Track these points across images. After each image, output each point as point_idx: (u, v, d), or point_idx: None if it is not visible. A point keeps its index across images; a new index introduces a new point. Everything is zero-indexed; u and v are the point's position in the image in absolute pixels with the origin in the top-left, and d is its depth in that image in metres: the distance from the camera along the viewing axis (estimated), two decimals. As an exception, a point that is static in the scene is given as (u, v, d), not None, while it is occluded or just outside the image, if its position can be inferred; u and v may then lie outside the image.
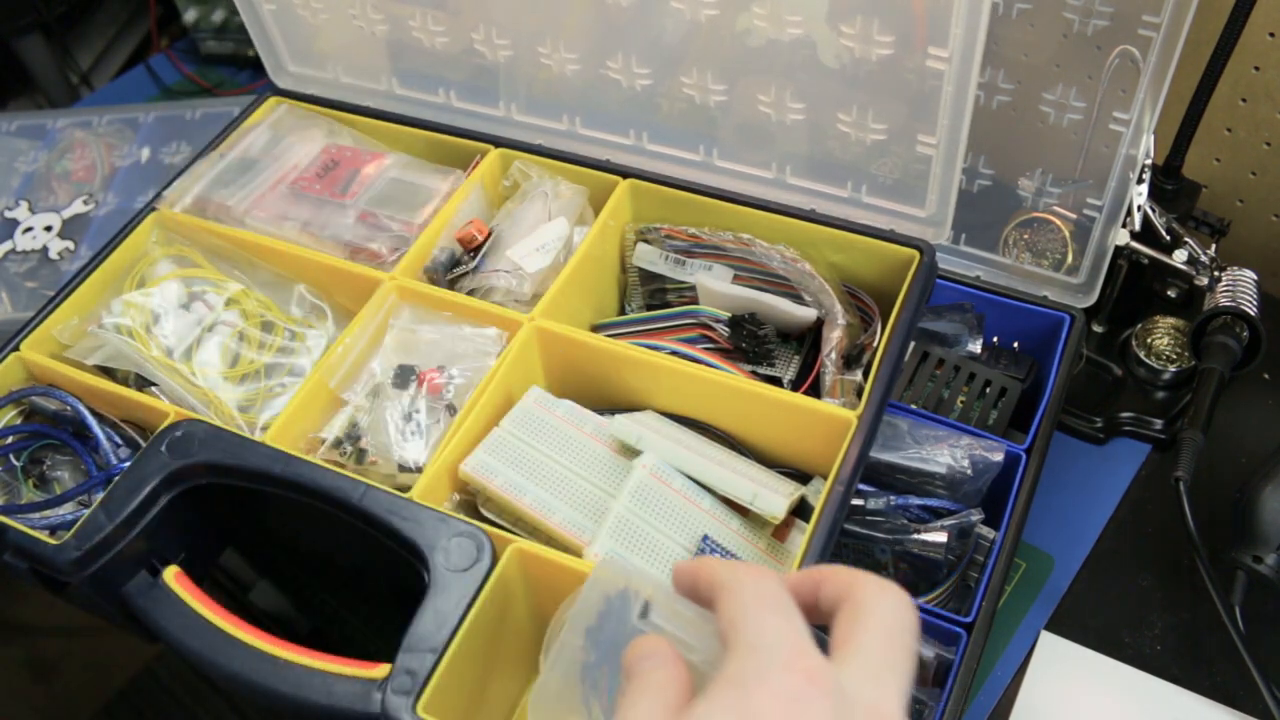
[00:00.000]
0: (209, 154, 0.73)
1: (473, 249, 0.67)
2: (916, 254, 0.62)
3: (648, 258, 0.69)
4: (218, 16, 1.13)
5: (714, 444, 0.61)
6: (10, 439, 0.62)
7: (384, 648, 0.50)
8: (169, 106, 1.02)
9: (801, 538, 0.53)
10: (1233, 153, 0.84)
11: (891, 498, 0.62)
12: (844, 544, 0.62)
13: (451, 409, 0.60)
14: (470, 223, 0.67)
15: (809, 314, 0.63)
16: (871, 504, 0.62)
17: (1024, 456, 0.63)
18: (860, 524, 0.61)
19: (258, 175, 0.71)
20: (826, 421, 0.57)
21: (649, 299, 0.71)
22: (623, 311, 0.72)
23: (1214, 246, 0.75)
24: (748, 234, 0.65)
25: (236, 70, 1.16)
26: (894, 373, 0.58)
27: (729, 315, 0.64)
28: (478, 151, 0.72)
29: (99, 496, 0.56)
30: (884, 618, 0.34)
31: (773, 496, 0.55)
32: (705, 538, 0.54)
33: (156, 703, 1.13)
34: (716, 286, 0.65)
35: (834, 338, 0.61)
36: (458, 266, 0.67)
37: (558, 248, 0.66)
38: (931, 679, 0.58)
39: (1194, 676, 0.63)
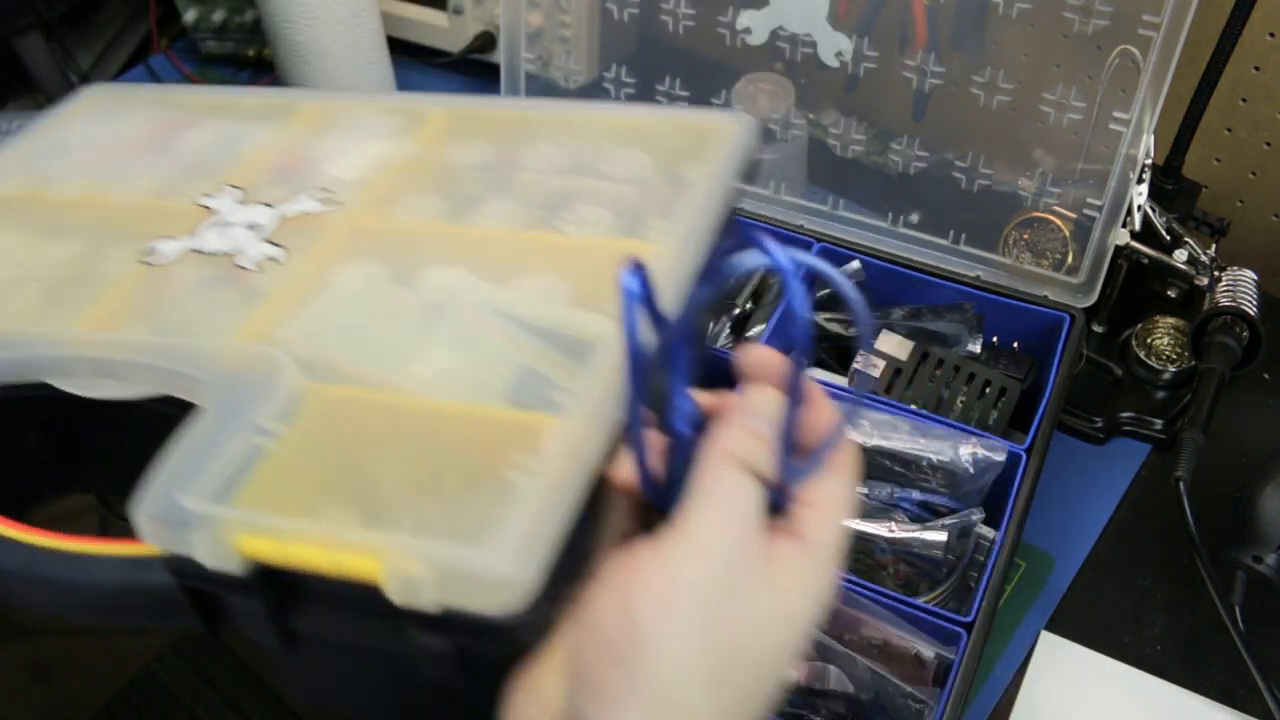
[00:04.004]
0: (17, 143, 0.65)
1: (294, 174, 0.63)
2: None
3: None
4: (218, 16, 1.13)
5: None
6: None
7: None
8: (169, 106, 1.02)
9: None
10: (1233, 153, 0.84)
11: (894, 489, 0.62)
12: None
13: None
14: (286, 154, 0.62)
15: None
16: (874, 494, 0.62)
17: (1024, 456, 0.63)
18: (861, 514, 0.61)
19: (70, 154, 0.63)
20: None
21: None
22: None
23: (1214, 246, 0.75)
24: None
25: (236, 70, 1.16)
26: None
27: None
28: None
29: None
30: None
31: (589, 315, 0.49)
32: (523, 366, 0.48)
33: (156, 703, 1.13)
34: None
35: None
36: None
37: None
38: (931, 679, 0.58)
39: (1194, 676, 0.63)
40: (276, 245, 0.51)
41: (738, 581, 0.30)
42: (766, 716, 0.32)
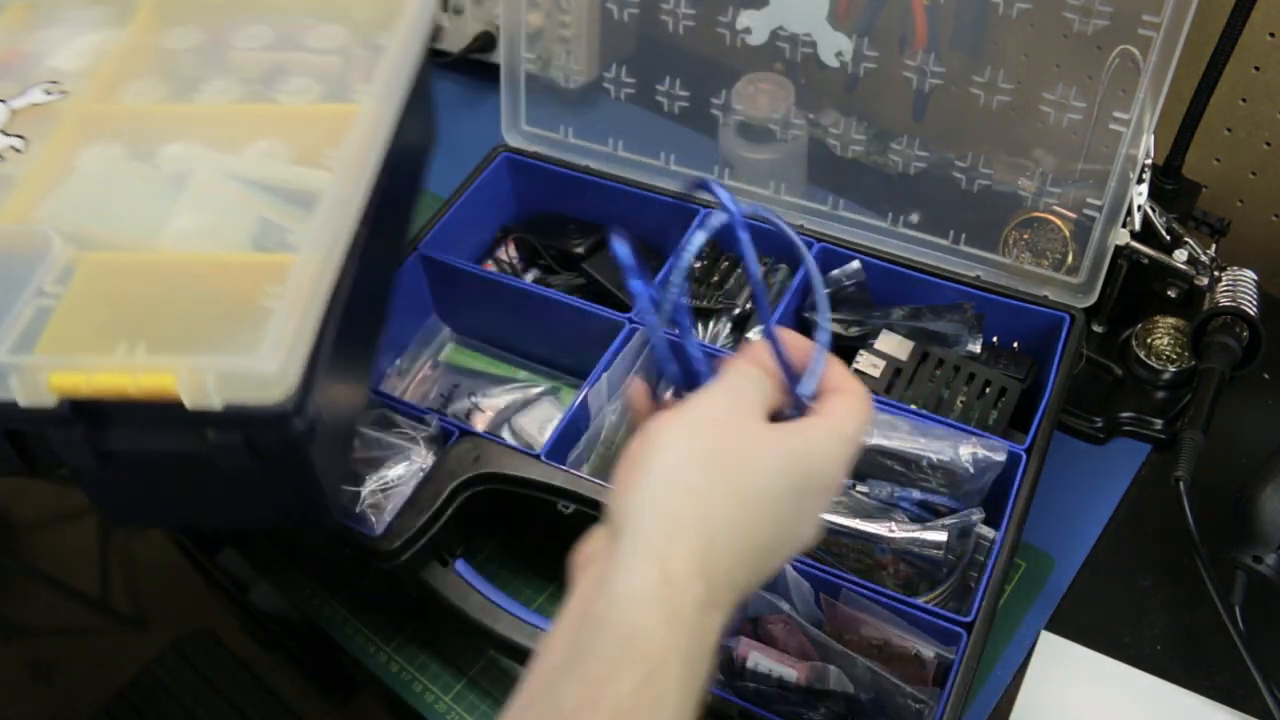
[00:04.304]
0: None
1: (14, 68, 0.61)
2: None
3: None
4: (218, 16, 1.13)
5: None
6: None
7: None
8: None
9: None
10: (1233, 153, 0.84)
11: (894, 489, 0.62)
12: (844, 543, 0.62)
13: None
14: (2, 50, 0.61)
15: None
16: (874, 493, 0.63)
17: (1024, 456, 0.63)
18: (859, 514, 0.61)
19: None
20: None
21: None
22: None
23: (1214, 246, 0.75)
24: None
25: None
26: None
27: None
28: None
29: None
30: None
31: (309, 170, 0.53)
32: (263, 219, 0.53)
33: (156, 703, 1.13)
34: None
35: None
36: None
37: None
38: (931, 679, 0.58)
39: (1194, 676, 0.63)
40: (14, 136, 0.55)
41: (734, 423, 0.39)
42: (789, 553, 0.41)
